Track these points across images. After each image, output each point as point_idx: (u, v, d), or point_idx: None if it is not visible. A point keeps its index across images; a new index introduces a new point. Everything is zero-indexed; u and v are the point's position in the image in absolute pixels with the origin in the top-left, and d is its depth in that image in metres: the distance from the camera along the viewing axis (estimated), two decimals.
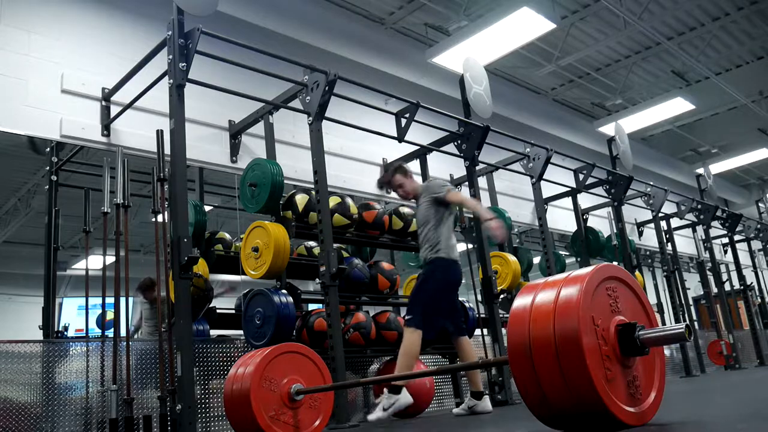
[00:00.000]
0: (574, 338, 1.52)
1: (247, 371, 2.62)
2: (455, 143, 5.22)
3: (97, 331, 5.80)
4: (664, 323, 7.56)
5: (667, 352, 7.91)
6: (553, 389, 1.55)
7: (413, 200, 3.98)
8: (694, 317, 10.17)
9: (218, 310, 4.61)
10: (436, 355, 4.85)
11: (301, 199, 4.14)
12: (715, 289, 8.38)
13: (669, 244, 8.29)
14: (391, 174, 3.95)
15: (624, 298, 1.73)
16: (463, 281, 3.90)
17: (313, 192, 4.02)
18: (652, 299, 8.74)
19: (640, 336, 1.64)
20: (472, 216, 5.23)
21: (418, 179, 5.82)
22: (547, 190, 6.51)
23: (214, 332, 4.65)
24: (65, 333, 6.25)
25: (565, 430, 1.64)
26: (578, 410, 1.55)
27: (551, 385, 1.55)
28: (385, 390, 3.48)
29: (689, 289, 8.53)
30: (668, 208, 8.09)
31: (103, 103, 4.45)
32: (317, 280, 3.89)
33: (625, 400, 1.60)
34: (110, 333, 3.53)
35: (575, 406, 1.54)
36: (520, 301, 1.70)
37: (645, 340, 1.65)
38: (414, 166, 5.92)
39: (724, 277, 8.71)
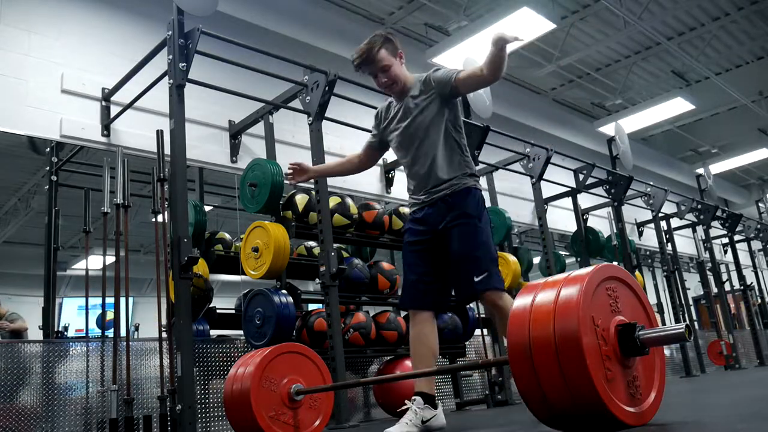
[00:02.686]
0: (574, 338, 1.52)
1: (247, 371, 2.62)
2: None
3: (97, 331, 5.80)
4: (664, 323, 7.57)
5: (667, 352, 7.91)
6: (553, 389, 1.55)
7: (397, 95, 2.70)
8: (694, 317, 10.17)
9: (218, 310, 4.61)
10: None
11: (301, 199, 4.14)
12: (715, 289, 8.38)
13: (669, 244, 8.29)
14: (378, 47, 2.59)
15: (624, 298, 1.73)
16: None
17: (313, 192, 4.02)
18: (652, 299, 8.74)
19: (640, 336, 1.64)
20: None
21: None
22: (547, 190, 6.51)
23: (214, 332, 4.65)
24: (65, 333, 6.25)
25: (565, 430, 1.64)
26: (578, 410, 1.55)
27: (551, 385, 1.55)
28: (418, 399, 2.46)
29: (689, 289, 8.53)
30: (668, 208, 8.10)
31: (103, 103, 4.45)
32: (317, 280, 3.89)
33: (625, 400, 1.60)
34: (110, 333, 3.53)
35: (575, 406, 1.54)
36: (520, 301, 1.70)
37: (645, 340, 1.65)
38: None
39: (724, 277, 8.71)
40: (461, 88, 2.59)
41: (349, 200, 4.39)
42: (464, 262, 2.46)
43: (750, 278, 9.71)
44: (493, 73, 2.43)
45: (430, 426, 2.41)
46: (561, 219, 7.97)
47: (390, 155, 6.16)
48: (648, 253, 10.07)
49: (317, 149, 3.98)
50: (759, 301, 10.26)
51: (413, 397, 2.45)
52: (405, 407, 2.43)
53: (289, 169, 2.93)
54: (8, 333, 5.44)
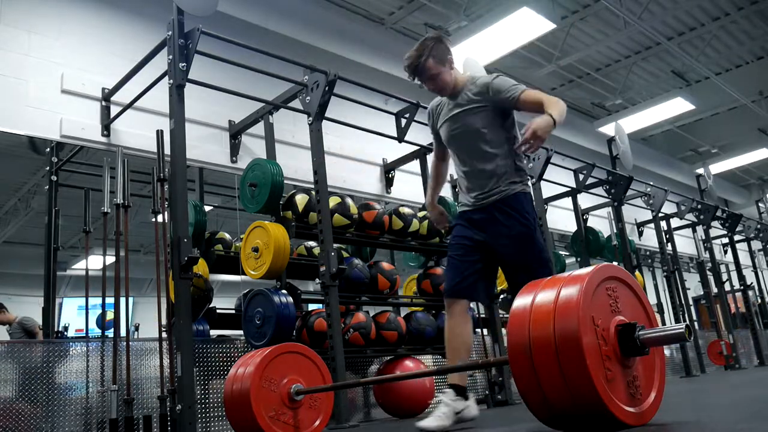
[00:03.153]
0: (574, 338, 1.52)
1: (247, 371, 2.62)
2: None
3: (97, 331, 5.81)
4: (664, 323, 7.57)
5: (667, 352, 7.90)
6: (553, 389, 1.55)
7: (448, 96, 2.71)
8: (694, 317, 10.17)
9: (218, 310, 4.61)
10: (437, 355, 4.85)
11: (301, 199, 4.14)
12: (715, 289, 8.38)
13: (669, 244, 8.29)
14: (426, 55, 2.62)
15: (624, 298, 1.73)
16: None
17: (313, 192, 4.02)
18: (652, 299, 8.73)
19: (640, 336, 1.64)
20: None
21: (412, 181, 5.88)
22: (547, 190, 6.50)
23: (214, 332, 4.65)
24: (65, 333, 6.25)
25: (564, 430, 1.64)
26: (578, 410, 1.55)
27: (551, 385, 1.55)
28: (450, 391, 2.45)
29: (689, 289, 8.53)
30: (668, 208, 8.09)
31: (103, 103, 4.45)
32: (317, 280, 3.89)
33: (625, 400, 1.60)
34: (110, 333, 3.53)
35: (575, 406, 1.54)
36: (520, 301, 1.70)
37: (645, 340, 1.65)
38: (414, 166, 5.95)
39: (724, 277, 8.71)
40: (520, 107, 2.57)
41: (349, 200, 4.39)
42: (520, 272, 2.50)
43: (750, 278, 9.71)
44: (556, 118, 2.41)
45: (463, 417, 2.44)
46: (561, 219, 7.97)
47: (389, 156, 6.18)
48: (648, 253, 10.07)
49: (317, 149, 3.98)
50: (759, 301, 10.25)
51: (445, 390, 2.47)
52: (438, 400, 2.47)
53: (441, 226, 3.02)
54: (25, 334, 5.44)
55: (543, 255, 2.56)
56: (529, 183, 2.66)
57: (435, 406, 2.43)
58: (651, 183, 7.86)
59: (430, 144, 5.45)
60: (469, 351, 2.59)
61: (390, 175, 6.26)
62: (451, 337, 2.55)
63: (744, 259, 9.99)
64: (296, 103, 4.29)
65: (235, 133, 5.09)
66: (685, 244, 9.92)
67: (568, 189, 6.94)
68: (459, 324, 2.55)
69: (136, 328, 7.00)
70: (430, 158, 2.89)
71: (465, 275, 2.57)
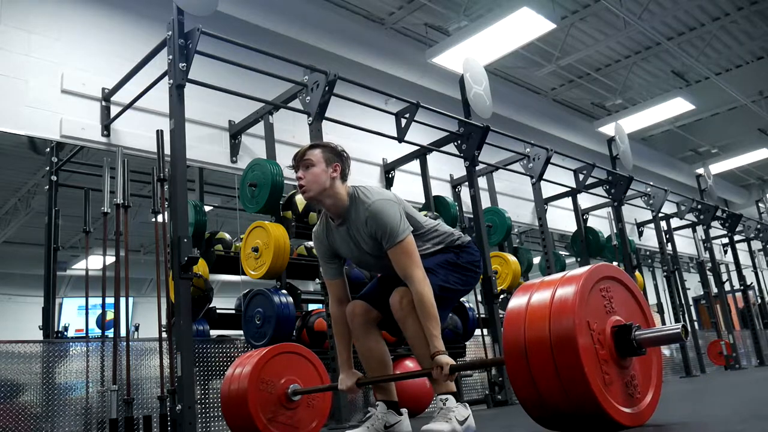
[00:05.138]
0: (569, 339, 1.52)
1: (243, 372, 2.62)
2: (455, 143, 5.22)
3: (97, 331, 5.81)
4: (664, 323, 7.57)
5: (667, 352, 7.91)
6: (549, 390, 1.55)
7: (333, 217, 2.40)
8: (694, 317, 10.17)
9: (218, 310, 4.61)
10: None
11: (301, 200, 4.15)
12: (715, 289, 8.38)
13: (669, 244, 8.29)
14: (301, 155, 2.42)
15: (619, 297, 1.73)
16: None
17: None
18: (652, 299, 8.74)
19: (636, 336, 1.64)
20: (471, 216, 5.23)
21: (411, 181, 5.88)
22: (547, 190, 6.50)
23: (214, 332, 4.65)
24: (65, 333, 6.25)
25: (561, 431, 1.64)
26: (574, 411, 1.55)
27: (547, 386, 1.55)
28: (381, 404, 2.42)
29: (689, 289, 8.53)
30: (668, 208, 8.09)
31: (103, 103, 4.46)
32: (317, 280, 3.89)
33: (622, 401, 1.60)
34: (110, 333, 3.54)
35: (571, 408, 1.54)
36: (516, 302, 1.70)
37: (641, 340, 1.65)
38: (414, 166, 5.96)
39: (724, 277, 8.70)
40: (389, 255, 2.27)
41: None
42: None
43: (750, 278, 9.71)
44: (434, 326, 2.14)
45: (395, 431, 2.33)
46: (561, 219, 7.97)
47: (389, 156, 6.17)
48: (648, 253, 10.06)
49: None
50: (759, 301, 10.25)
51: (375, 403, 2.41)
52: (369, 415, 2.39)
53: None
54: None
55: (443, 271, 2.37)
56: (456, 239, 2.48)
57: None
58: (651, 183, 7.85)
59: (430, 144, 5.52)
60: (389, 365, 2.49)
61: (390, 175, 6.26)
62: (365, 359, 2.45)
63: (744, 259, 9.98)
64: (296, 103, 4.29)
65: (235, 133, 5.09)
66: (685, 244, 9.92)
67: (568, 189, 6.93)
68: (367, 345, 2.45)
69: (136, 328, 7.01)
70: (331, 307, 2.46)
71: (372, 285, 2.48)
